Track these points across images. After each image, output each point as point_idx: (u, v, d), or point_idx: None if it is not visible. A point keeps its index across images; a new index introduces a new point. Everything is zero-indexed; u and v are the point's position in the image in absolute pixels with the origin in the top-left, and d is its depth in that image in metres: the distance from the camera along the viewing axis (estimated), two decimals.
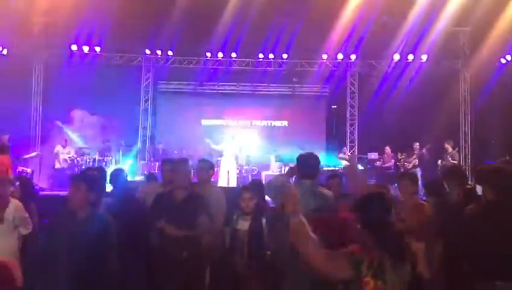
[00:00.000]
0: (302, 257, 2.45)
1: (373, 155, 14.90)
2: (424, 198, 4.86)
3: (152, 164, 14.24)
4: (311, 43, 14.62)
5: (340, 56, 15.28)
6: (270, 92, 16.80)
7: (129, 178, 9.32)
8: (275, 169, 14.05)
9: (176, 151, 14.24)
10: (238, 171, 13.29)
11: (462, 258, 3.32)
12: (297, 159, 4.34)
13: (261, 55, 15.41)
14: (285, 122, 17.11)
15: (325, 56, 15.29)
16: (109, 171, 5.61)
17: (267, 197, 5.11)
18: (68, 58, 15.01)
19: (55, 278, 3.11)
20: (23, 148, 12.91)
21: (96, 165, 13.01)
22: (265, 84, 16.64)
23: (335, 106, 17.18)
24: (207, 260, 4.40)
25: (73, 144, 13.78)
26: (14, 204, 4.10)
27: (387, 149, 14.10)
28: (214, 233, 4.32)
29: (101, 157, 13.43)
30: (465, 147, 14.93)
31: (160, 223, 4.12)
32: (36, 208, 4.72)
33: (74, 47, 14.67)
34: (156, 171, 12.00)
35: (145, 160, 15.41)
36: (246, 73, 16.27)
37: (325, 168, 12.94)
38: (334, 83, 16.64)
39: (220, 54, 15.34)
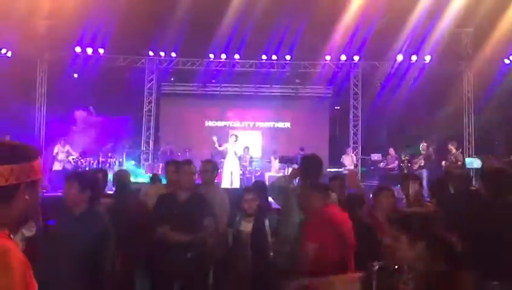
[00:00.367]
0: None
1: (376, 156, 14.89)
2: (428, 199, 4.87)
3: (156, 165, 14.27)
4: (314, 44, 14.62)
5: (343, 57, 15.28)
6: (273, 94, 16.82)
7: (133, 179, 9.36)
8: (276, 170, 14.05)
9: (183, 152, 14.28)
10: (241, 172, 13.30)
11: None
12: (301, 160, 4.37)
13: (264, 57, 15.43)
14: (288, 124, 17.12)
15: (328, 57, 15.30)
16: (113, 172, 5.64)
17: (270, 199, 5.12)
18: (72, 60, 15.09)
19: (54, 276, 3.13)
20: None
21: (100, 166, 13.08)
22: (268, 86, 16.65)
23: (338, 107, 17.21)
24: (210, 261, 4.42)
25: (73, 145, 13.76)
26: None
27: (391, 150, 14.09)
28: (218, 234, 4.33)
29: (104, 159, 13.46)
30: (468, 148, 14.88)
31: (163, 228, 4.13)
32: (40, 209, 4.73)
33: (78, 49, 14.74)
34: (160, 172, 12.02)
35: (148, 161, 15.45)
36: (249, 74, 16.29)
37: (328, 170, 12.94)
38: (337, 84, 16.65)
39: (223, 56, 15.37)
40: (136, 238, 4.38)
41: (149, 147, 16.22)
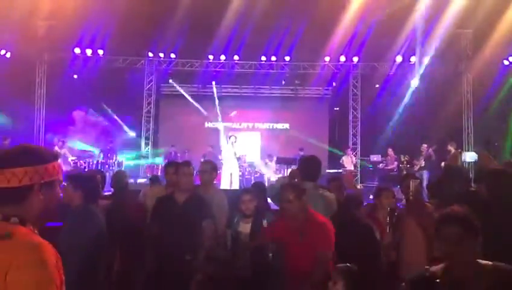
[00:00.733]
0: None
1: (376, 157, 14.90)
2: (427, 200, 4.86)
3: (155, 167, 14.27)
4: (314, 45, 14.62)
5: (342, 58, 15.30)
6: (272, 95, 16.83)
7: (132, 181, 9.36)
8: (272, 170, 14.07)
9: (182, 153, 14.28)
10: (240, 173, 13.30)
11: None
12: (299, 161, 4.37)
13: (263, 58, 15.44)
14: (287, 125, 17.13)
15: (327, 58, 15.30)
16: (113, 173, 5.63)
17: (269, 200, 5.12)
18: (71, 61, 15.09)
19: None
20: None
21: (99, 167, 13.08)
22: (268, 87, 16.66)
23: (337, 108, 17.21)
24: (209, 261, 4.41)
25: (74, 147, 13.76)
26: None
27: (390, 151, 14.10)
28: (216, 236, 4.32)
29: (103, 160, 13.46)
30: (467, 149, 14.87)
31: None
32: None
33: (77, 50, 14.74)
34: (160, 173, 12.03)
35: (148, 163, 15.45)
36: (248, 75, 16.29)
37: (327, 171, 12.96)
38: (336, 85, 16.66)
39: (223, 57, 15.37)
40: (134, 239, 4.38)
41: (148, 148, 16.21)
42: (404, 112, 14.41)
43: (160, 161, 14.73)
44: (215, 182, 5.35)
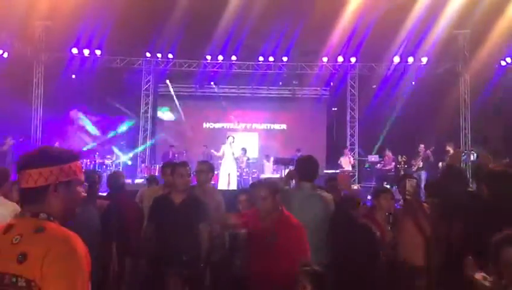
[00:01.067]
0: None
1: (373, 158, 14.92)
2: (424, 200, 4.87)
3: (153, 167, 14.25)
4: (311, 46, 14.64)
5: (340, 59, 15.31)
6: (270, 95, 16.85)
7: (129, 181, 9.35)
8: (270, 171, 14.07)
9: (180, 154, 14.27)
10: (238, 173, 13.30)
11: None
12: (297, 162, 4.36)
13: (261, 58, 15.44)
14: (284, 125, 17.15)
15: (325, 59, 15.31)
16: (109, 174, 5.62)
17: None
18: (69, 61, 15.06)
19: None
20: (23, 152, 12.92)
21: (97, 167, 13.07)
22: (266, 87, 16.67)
23: (335, 109, 17.23)
24: (207, 263, 4.41)
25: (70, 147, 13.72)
26: (13, 207, 4.09)
27: (388, 152, 14.12)
28: (213, 237, 4.32)
29: (101, 160, 13.44)
30: (465, 149, 14.90)
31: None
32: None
33: (75, 50, 14.72)
34: (157, 173, 12.01)
35: (145, 162, 15.44)
36: (246, 76, 16.29)
37: (325, 171, 12.97)
38: (334, 85, 16.68)
39: (220, 57, 15.37)
40: (131, 239, 4.37)
41: (146, 147, 16.19)
42: (402, 112, 14.42)
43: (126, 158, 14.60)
44: (212, 182, 5.35)
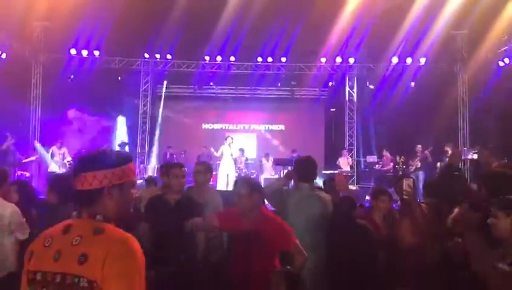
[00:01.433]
0: None
1: (372, 158, 14.94)
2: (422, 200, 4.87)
3: (151, 168, 14.25)
4: (310, 46, 14.65)
5: (338, 59, 15.31)
6: (269, 96, 16.85)
7: None
8: (269, 172, 14.07)
9: (178, 155, 14.25)
10: (237, 174, 13.31)
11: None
12: (295, 162, 4.37)
13: (259, 59, 15.43)
14: (282, 126, 17.16)
15: (323, 59, 15.32)
16: None
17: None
18: (67, 62, 15.05)
19: None
20: (22, 153, 12.89)
21: None
22: (264, 88, 16.68)
23: (333, 109, 17.24)
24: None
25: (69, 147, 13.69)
26: (11, 209, 4.08)
27: (386, 152, 14.13)
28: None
29: None
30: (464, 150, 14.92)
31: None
32: (37, 213, 4.69)
33: (73, 51, 14.71)
34: (156, 174, 12.01)
35: (144, 163, 15.43)
36: (245, 77, 16.30)
37: (323, 172, 12.98)
38: (332, 86, 16.69)
39: (219, 58, 15.36)
40: None
41: (144, 149, 16.19)
42: (400, 112, 14.43)
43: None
44: (211, 183, 5.34)
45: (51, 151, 13.00)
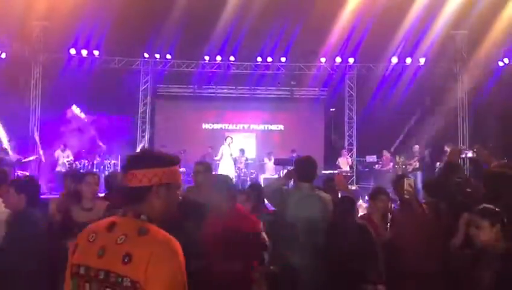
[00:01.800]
0: None
1: (371, 158, 14.92)
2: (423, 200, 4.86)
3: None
4: (310, 46, 14.64)
5: (338, 59, 15.31)
6: (268, 96, 16.83)
7: None
8: (270, 172, 14.07)
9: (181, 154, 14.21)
10: (236, 174, 13.30)
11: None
12: (295, 162, 4.36)
13: (259, 59, 15.43)
14: (281, 126, 17.14)
15: (323, 59, 15.32)
16: (106, 175, 5.60)
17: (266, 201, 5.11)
18: (67, 61, 15.04)
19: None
20: (22, 152, 12.89)
21: (94, 168, 13.04)
22: (264, 88, 16.66)
23: (333, 109, 17.23)
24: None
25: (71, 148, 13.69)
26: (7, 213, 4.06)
27: (386, 152, 14.13)
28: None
29: (98, 161, 13.41)
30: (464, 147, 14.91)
31: None
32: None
33: (73, 51, 14.70)
34: None
35: None
36: (245, 76, 16.28)
37: (323, 172, 12.97)
38: (332, 86, 16.68)
39: (219, 58, 15.35)
40: None
41: (144, 148, 16.16)
42: (400, 112, 14.42)
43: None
44: None
45: (56, 155, 12.99)
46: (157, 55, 15.52)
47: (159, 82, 16.68)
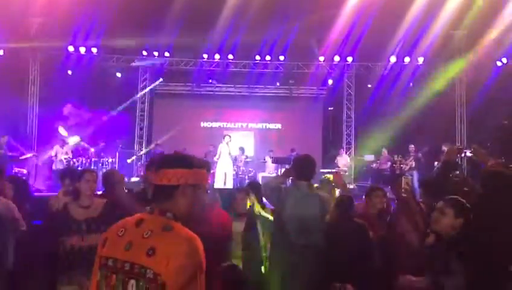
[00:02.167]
0: None
1: (369, 157, 14.93)
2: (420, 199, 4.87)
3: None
4: (308, 45, 14.63)
5: (336, 58, 15.30)
6: (267, 94, 16.82)
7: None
8: (271, 170, 14.06)
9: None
10: (234, 172, 13.30)
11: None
12: (294, 161, 4.36)
13: (257, 57, 15.41)
14: (279, 125, 17.13)
15: (321, 58, 15.31)
16: (103, 173, 5.58)
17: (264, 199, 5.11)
18: (65, 59, 15.00)
19: None
20: (19, 149, 12.87)
21: (92, 165, 13.00)
22: (262, 86, 16.65)
23: (331, 108, 17.23)
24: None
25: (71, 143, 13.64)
26: (6, 204, 4.07)
27: (384, 151, 14.14)
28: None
29: (97, 159, 13.38)
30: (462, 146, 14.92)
31: None
32: (29, 210, 4.68)
33: (71, 48, 14.65)
34: None
35: (141, 161, 15.39)
36: (243, 75, 16.26)
37: (321, 170, 12.96)
38: (330, 85, 16.68)
39: (217, 56, 15.33)
40: None
41: (142, 147, 16.15)
42: (398, 112, 14.42)
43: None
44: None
45: (54, 151, 12.94)
46: (156, 53, 15.48)
47: (158, 80, 16.64)
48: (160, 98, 16.84)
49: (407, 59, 14.90)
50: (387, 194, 4.84)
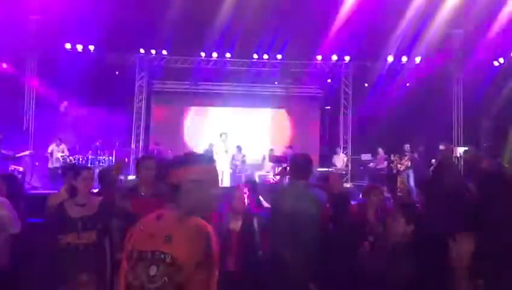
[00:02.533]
0: None
1: (366, 156, 14.96)
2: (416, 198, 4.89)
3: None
4: (306, 44, 14.62)
5: (334, 57, 15.31)
6: (264, 93, 16.80)
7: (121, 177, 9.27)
8: (268, 169, 14.06)
9: (170, 151, 14.16)
10: (231, 171, 13.29)
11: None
12: (291, 160, 4.36)
13: (255, 56, 15.40)
14: (279, 123, 17.12)
15: (319, 57, 15.31)
16: (99, 170, 5.57)
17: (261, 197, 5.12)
18: (62, 56, 14.93)
19: None
20: (15, 146, 12.81)
21: (89, 163, 12.96)
22: (260, 85, 16.63)
23: (329, 107, 17.25)
24: None
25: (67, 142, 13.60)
26: (1, 203, 4.05)
27: (380, 151, 14.16)
28: None
29: (94, 157, 13.35)
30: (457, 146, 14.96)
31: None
32: (24, 208, 4.65)
33: (68, 45, 14.60)
34: None
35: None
36: (241, 73, 16.25)
37: (318, 169, 12.99)
38: (328, 84, 16.68)
39: (215, 54, 15.31)
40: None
41: (139, 145, 16.13)
42: (395, 111, 14.45)
43: None
44: None
45: (50, 148, 12.89)
46: (153, 51, 15.45)
47: (155, 78, 16.61)
48: (157, 96, 16.81)
49: (404, 58, 14.91)
50: (385, 193, 4.86)
